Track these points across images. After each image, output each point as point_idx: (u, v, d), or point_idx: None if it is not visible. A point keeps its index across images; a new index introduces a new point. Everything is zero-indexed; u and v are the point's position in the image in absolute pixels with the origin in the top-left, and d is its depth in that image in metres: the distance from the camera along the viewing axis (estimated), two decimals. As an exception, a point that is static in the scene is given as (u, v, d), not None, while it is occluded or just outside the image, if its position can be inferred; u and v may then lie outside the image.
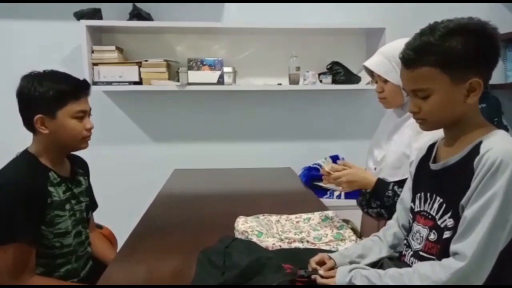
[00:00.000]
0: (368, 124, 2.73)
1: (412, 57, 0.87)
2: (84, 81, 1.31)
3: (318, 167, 2.48)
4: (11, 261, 1.14)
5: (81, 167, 1.47)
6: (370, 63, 1.39)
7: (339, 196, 2.30)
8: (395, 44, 1.32)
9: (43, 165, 1.27)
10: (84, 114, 1.30)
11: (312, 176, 2.30)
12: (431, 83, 0.86)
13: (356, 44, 2.65)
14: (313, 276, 0.95)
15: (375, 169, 1.48)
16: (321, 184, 2.30)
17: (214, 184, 2.27)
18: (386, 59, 1.34)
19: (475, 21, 0.85)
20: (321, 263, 0.99)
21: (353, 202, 2.23)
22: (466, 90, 0.85)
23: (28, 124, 1.25)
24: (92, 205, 1.52)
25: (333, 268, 0.97)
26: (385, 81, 1.36)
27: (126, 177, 2.59)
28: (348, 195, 2.30)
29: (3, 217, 1.14)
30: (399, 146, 1.35)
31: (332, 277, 0.91)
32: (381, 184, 1.36)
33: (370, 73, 1.45)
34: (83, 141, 1.31)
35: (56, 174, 1.29)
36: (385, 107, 1.46)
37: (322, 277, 0.93)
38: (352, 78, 2.50)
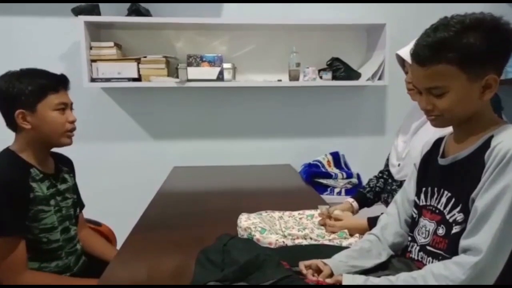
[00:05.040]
0: (369, 120, 2.73)
1: (428, 54, 0.84)
2: (62, 75, 1.32)
3: (318, 163, 2.48)
4: (1, 255, 1.14)
5: (66, 165, 1.46)
6: (403, 51, 1.36)
7: (339, 193, 2.29)
8: None
9: (24, 161, 1.26)
10: (65, 106, 1.30)
11: (312, 172, 2.29)
12: (448, 81, 0.84)
13: (356, 40, 2.63)
14: (311, 279, 0.91)
15: (398, 165, 1.47)
16: (321, 180, 2.30)
17: (214, 181, 2.25)
18: None
19: (490, 17, 0.83)
20: (314, 269, 0.95)
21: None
22: (482, 87, 0.84)
23: (10, 121, 1.25)
24: (79, 203, 1.51)
25: (331, 275, 0.93)
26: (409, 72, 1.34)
27: (125, 175, 2.57)
28: (348, 192, 2.30)
29: None
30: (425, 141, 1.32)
31: (338, 284, 0.87)
32: (372, 222, 1.31)
33: (402, 62, 1.43)
34: (65, 135, 1.31)
35: (38, 171, 1.28)
36: (413, 99, 1.43)
37: (324, 283, 0.89)
38: (352, 74, 2.49)
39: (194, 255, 1.06)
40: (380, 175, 1.67)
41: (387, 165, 1.64)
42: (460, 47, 0.81)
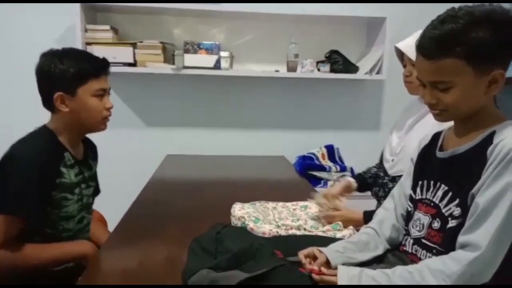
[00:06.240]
0: (365, 115, 2.73)
1: (434, 47, 0.81)
2: (104, 59, 1.29)
3: (313, 156, 2.47)
4: (3, 230, 1.11)
5: (92, 150, 1.44)
6: (403, 44, 1.35)
7: (333, 186, 2.29)
8: None
9: (60, 144, 1.24)
10: (104, 92, 1.27)
11: (306, 165, 2.29)
12: (454, 76, 0.81)
13: (356, 34, 2.62)
14: (308, 267, 0.90)
15: (392, 160, 1.46)
16: (315, 173, 2.30)
17: (208, 170, 2.24)
18: None
19: (500, 9, 0.80)
20: (311, 257, 0.95)
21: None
22: (488, 82, 0.82)
23: (48, 102, 1.22)
24: (96, 190, 1.49)
25: (326, 263, 0.92)
26: (414, 65, 1.33)
27: (117, 161, 2.54)
28: (342, 185, 2.30)
29: (12, 189, 1.11)
30: (420, 137, 1.29)
31: (333, 275, 0.86)
32: (368, 215, 1.32)
33: (400, 55, 1.42)
34: (103, 122, 1.29)
35: (71, 156, 1.26)
36: (410, 93, 1.42)
37: (319, 272, 0.88)
38: (350, 67, 2.47)
39: (186, 243, 1.05)
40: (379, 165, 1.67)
41: (381, 159, 1.64)
42: (468, 41, 0.78)
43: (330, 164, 2.38)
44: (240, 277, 0.81)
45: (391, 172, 1.47)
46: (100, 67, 1.25)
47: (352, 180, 1.60)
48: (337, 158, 2.54)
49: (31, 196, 1.12)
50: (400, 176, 1.37)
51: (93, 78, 1.22)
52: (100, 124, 1.29)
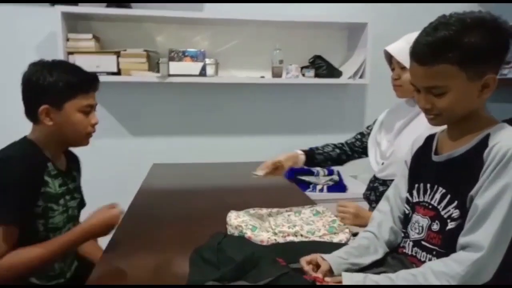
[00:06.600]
0: (349, 118, 2.77)
1: (428, 53, 0.83)
2: (94, 74, 1.26)
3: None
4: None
5: (75, 162, 1.41)
6: (392, 48, 1.35)
7: (321, 190, 2.31)
8: None
9: (43, 154, 1.20)
10: (91, 108, 1.25)
11: (295, 169, 2.29)
12: (448, 81, 0.84)
13: (338, 39, 2.66)
14: (312, 275, 0.90)
15: (382, 163, 1.47)
16: (303, 178, 2.32)
17: (196, 178, 2.22)
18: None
19: (490, 16, 0.83)
20: (314, 264, 0.95)
21: (334, 195, 2.28)
22: (481, 86, 0.85)
23: (31, 112, 1.19)
24: (82, 203, 1.46)
25: (329, 270, 0.93)
26: (403, 68, 1.34)
27: (103, 173, 2.48)
28: (330, 189, 2.33)
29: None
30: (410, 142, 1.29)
31: (338, 283, 0.87)
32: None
33: (389, 58, 1.43)
34: (86, 137, 1.26)
35: (53, 166, 1.23)
36: (398, 96, 1.44)
37: (322, 280, 0.89)
38: (334, 72, 2.51)
39: (183, 254, 1.04)
40: (340, 145, 1.70)
41: (356, 140, 1.68)
42: (461, 47, 0.81)
43: (318, 168, 2.40)
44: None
45: (381, 175, 1.48)
46: (90, 83, 1.23)
47: (300, 152, 1.64)
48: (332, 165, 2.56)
49: (15, 202, 1.09)
50: (391, 180, 1.40)
51: (82, 93, 1.20)
52: (83, 139, 1.27)
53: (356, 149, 1.69)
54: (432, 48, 0.83)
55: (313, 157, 1.66)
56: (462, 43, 0.81)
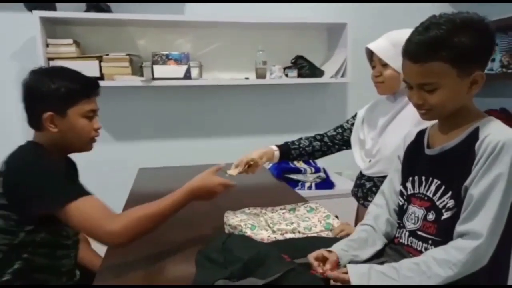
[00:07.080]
0: (331, 116, 2.82)
1: (421, 51, 0.88)
2: (96, 80, 1.26)
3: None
4: (96, 207, 1.08)
5: (73, 168, 1.41)
6: (374, 45, 1.37)
7: (310, 187, 2.35)
8: (406, 31, 1.32)
9: (51, 157, 1.19)
10: (94, 113, 1.25)
11: (283, 168, 2.33)
12: (440, 78, 0.88)
13: (318, 39, 2.72)
14: (318, 270, 0.94)
15: (369, 161, 1.48)
16: (292, 176, 2.35)
17: (184, 181, 2.17)
18: (391, 44, 1.33)
19: (477, 16, 0.89)
20: (320, 259, 0.97)
21: (323, 192, 2.32)
22: (470, 83, 0.90)
23: (35, 120, 1.17)
24: None
25: (337, 262, 0.96)
26: (384, 65, 1.37)
27: (89, 179, 2.41)
28: (318, 186, 2.37)
29: (56, 181, 1.09)
30: (398, 138, 1.24)
31: (344, 273, 0.89)
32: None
33: (370, 56, 1.44)
34: (90, 142, 1.27)
35: None
36: (379, 93, 1.45)
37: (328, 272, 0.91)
38: (316, 71, 2.56)
39: (183, 256, 1.05)
40: (320, 137, 1.72)
41: (337, 133, 1.70)
42: (453, 46, 0.86)
43: (305, 166, 2.44)
44: (258, 283, 0.83)
45: (368, 172, 1.50)
46: (92, 88, 1.24)
47: (274, 148, 1.66)
48: (310, 160, 2.60)
49: (67, 183, 1.11)
50: (379, 177, 1.44)
51: (84, 99, 1.20)
52: (87, 145, 1.27)
53: (337, 141, 1.71)
54: (424, 46, 0.88)
55: (289, 152, 1.68)
56: (453, 42, 0.86)
